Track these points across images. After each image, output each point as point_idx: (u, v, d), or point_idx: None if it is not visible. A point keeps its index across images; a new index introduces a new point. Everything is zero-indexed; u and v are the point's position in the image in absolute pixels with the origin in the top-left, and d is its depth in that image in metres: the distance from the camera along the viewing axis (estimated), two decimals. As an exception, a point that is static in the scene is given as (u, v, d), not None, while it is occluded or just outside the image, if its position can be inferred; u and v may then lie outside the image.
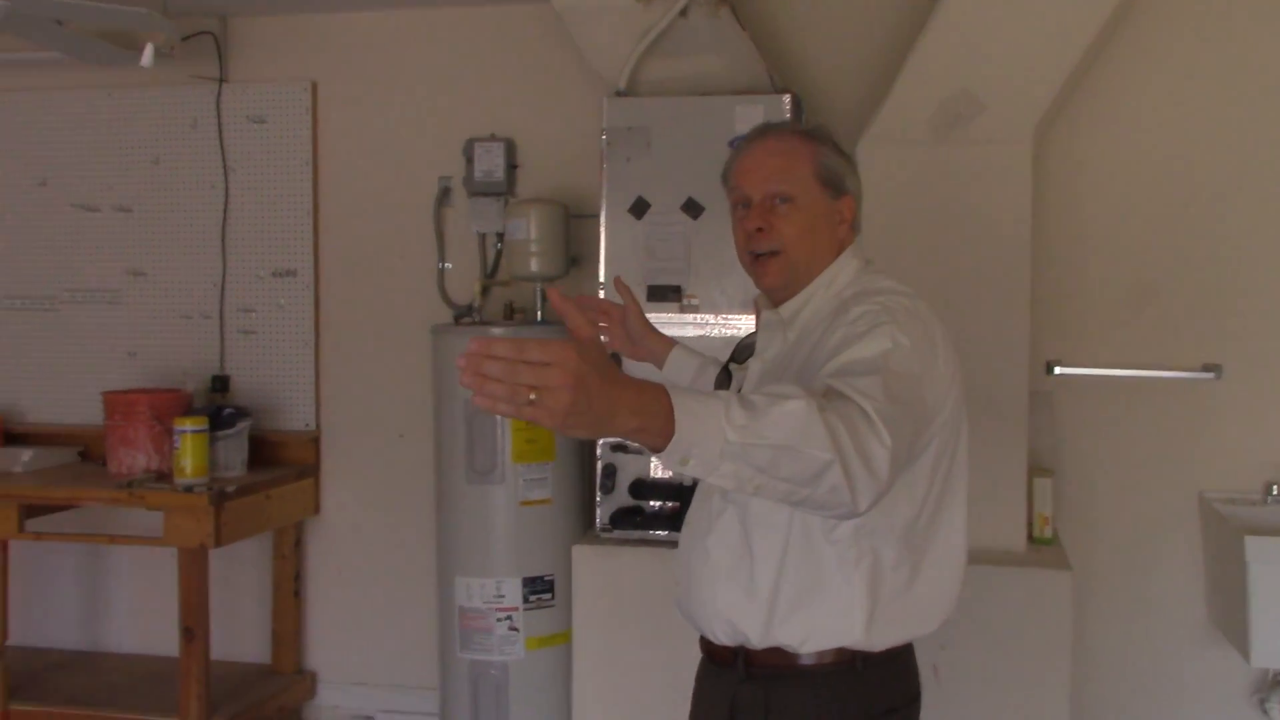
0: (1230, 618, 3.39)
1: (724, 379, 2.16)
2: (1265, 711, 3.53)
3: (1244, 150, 3.52)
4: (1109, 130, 3.59)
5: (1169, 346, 3.55)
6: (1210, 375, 3.42)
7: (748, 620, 1.87)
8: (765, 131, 2.00)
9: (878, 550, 1.82)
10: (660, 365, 2.37)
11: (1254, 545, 3.16)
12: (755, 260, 1.94)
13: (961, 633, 3.17)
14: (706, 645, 2.02)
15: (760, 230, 1.91)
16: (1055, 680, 3.14)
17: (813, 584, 1.83)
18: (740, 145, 2.02)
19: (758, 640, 1.87)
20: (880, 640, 1.86)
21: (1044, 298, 3.52)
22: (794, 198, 1.91)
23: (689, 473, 1.40)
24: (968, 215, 3.27)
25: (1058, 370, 3.44)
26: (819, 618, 1.84)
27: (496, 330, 3.65)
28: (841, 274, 1.95)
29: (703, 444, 1.37)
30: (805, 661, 1.87)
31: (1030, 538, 3.40)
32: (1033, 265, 3.29)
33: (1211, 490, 3.55)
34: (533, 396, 1.23)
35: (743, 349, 2.14)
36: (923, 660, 3.13)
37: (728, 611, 1.89)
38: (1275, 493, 3.50)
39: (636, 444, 1.39)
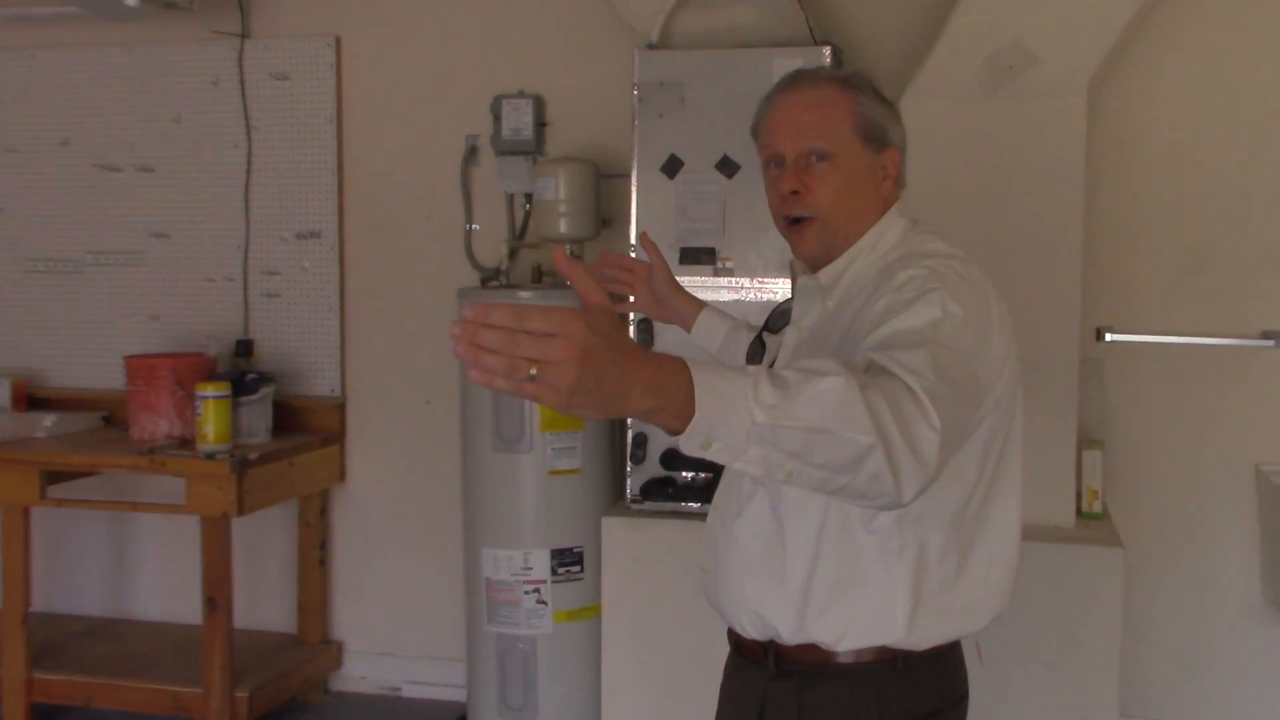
0: (1289, 596, 3.25)
1: (757, 349, 2.01)
2: (1323, 693, 3.40)
3: (1311, 105, 3.34)
4: (1167, 84, 3.42)
5: (1226, 312, 3.40)
6: (1270, 343, 3.28)
7: (779, 614, 1.72)
8: (797, 79, 1.80)
9: (923, 540, 1.66)
10: (689, 328, 2.24)
11: (1317, 522, 3.02)
12: (790, 225, 1.78)
13: (1008, 611, 3.06)
14: (734, 637, 1.87)
15: (795, 193, 1.74)
16: (1104, 661, 3.02)
17: (850, 576, 1.68)
18: (770, 95, 1.82)
19: (789, 636, 1.73)
20: (924, 638, 1.70)
21: (1095, 261, 3.38)
22: (832, 154, 1.73)
23: (712, 457, 1.25)
24: (1017, 174, 3.13)
25: (1109, 337, 3.31)
26: (857, 613, 1.68)
27: (524, 295, 3.53)
28: (886, 235, 1.78)
29: (727, 426, 1.22)
30: (842, 660, 1.71)
31: (1079, 512, 3.27)
32: (1084, 227, 3.14)
33: (1269, 463, 3.40)
34: (533, 371, 1.08)
35: (778, 316, 2.00)
36: (965, 640, 3.07)
37: (757, 604, 1.75)
38: (1337, 466, 3.35)
39: (653, 424, 1.24)
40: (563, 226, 3.57)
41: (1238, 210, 3.39)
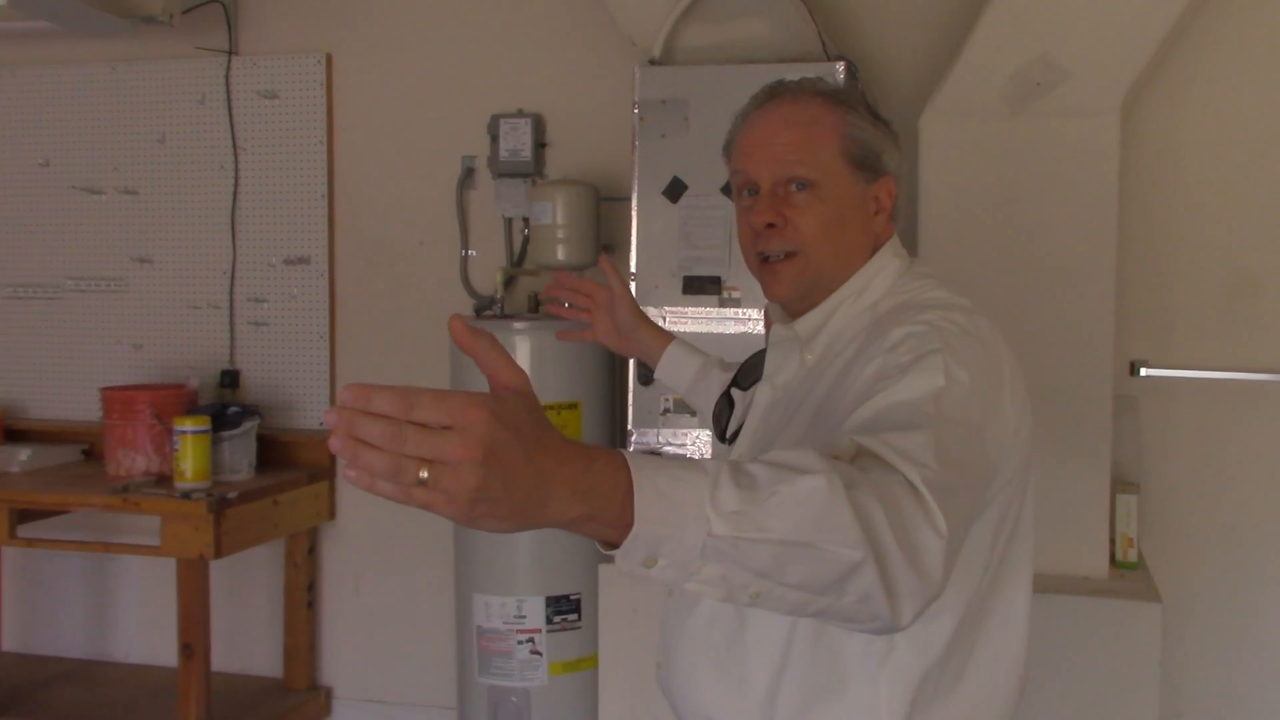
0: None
1: (725, 408, 1.76)
2: (1376, 757, 3.15)
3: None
4: (1205, 102, 3.20)
5: (1270, 345, 3.18)
6: (1318, 379, 3.05)
7: None
8: (777, 92, 1.55)
9: (916, 640, 1.40)
10: (654, 364, 2.05)
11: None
12: (764, 264, 1.52)
13: (1035, 669, 2.85)
14: None
15: (771, 226, 1.49)
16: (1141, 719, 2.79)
17: (826, 684, 1.41)
18: (745, 111, 1.58)
19: None
20: None
21: (1130, 290, 3.16)
22: (815, 183, 1.49)
23: (657, 577, 1.01)
24: (1045, 197, 2.92)
25: (1144, 372, 3.10)
26: None
27: (518, 326, 3.32)
28: (877, 279, 1.52)
29: (676, 539, 0.98)
30: None
31: (1112, 561, 3.04)
32: (1117, 254, 2.92)
33: (1317, 508, 3.17)
34: (424, 474, 0.88)
35: (748, 370, 1.74)
36: None
37: (713, 710, 1.49)
38: (1391, 512, 3.11)
39: (584, 535, 1.01)
40: (560, 253, 3.37)
41: (1284, 236, 3.17)
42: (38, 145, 4.12)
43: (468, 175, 3.79)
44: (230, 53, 3.92)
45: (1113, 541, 3.06)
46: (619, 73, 3.47)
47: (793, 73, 2.93)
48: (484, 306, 3.66)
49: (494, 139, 3.70)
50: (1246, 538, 3.23)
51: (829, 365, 1.47)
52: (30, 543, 3.56)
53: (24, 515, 3.54)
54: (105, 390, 3.69)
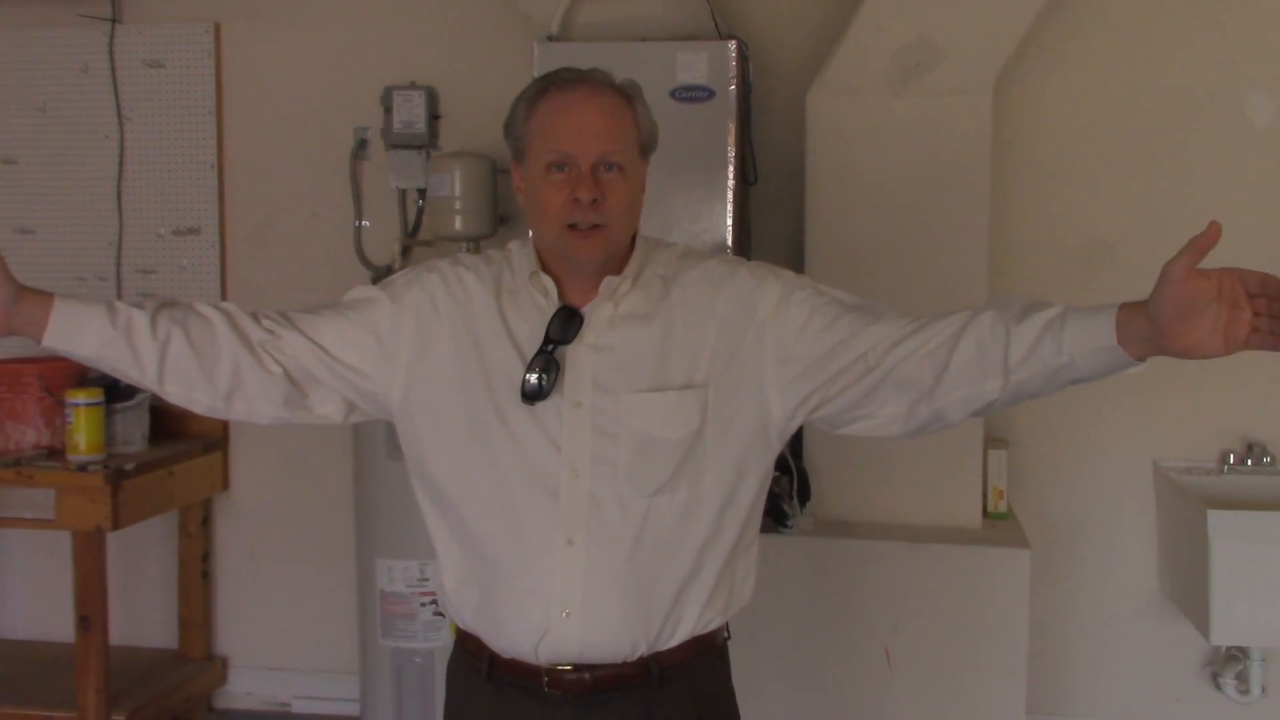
0: (1187, 592, 3.28)
1: (549, 364, 1.69)
2: (1218, 685, 3.45)
3: (1207, 106, 3.37)
4: (1069, 82, 3.43)
5: (1125, 310, 3.40)
6: (1169, 340, 3.28)
7: None
8: (582, 80, 1.70)
9: None
10: (39, 336, 1.66)
11: (1217, 520, 3.04)
12: (571, 230, 1.66)
13: (914, 613, 3.06)
14: None
15: (595, 201, 1.65)
16: (1012, 661, 3.02)
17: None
18: (546, 91, 1.70)
19: None
20: None
21: (1001, 257, 3.36)
22: (623, 166, 1.68)
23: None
24: (923, 169, 3.10)
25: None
26: None
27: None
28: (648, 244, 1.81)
29: None
30: None
31: (985, 512, 3.26)
32: (990, 224, 3.13)
33: (1166, 459, 3.44)
34: None
35: (561, 330, 1.71)
36: (874, 643, 3.04)
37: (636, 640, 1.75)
38: (1232, 462, 3.39)
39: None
40: (458, 223, 3.44)
41: (1137, 208, 3.41)
42: (-90, 112, 4.01)
43: (361, 146, 3.81)
44: (114, 20, 3.86)
45: (985, 495, 3.28)
46: (513, 48, 3.54)
47: (685, 50, 3.10)
48: (379, 276, 3.70)
49: (387, 110, 3.73)
50: (1103, 486, 3.49)
51: (655, 307, 1.73)
52: (-84, 519, 3.50)
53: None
54: (-9, 363, 3.63)
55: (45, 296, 1.66)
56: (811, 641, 3.05)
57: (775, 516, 3.08)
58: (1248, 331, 1.38)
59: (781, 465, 3.11)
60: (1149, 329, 1.43)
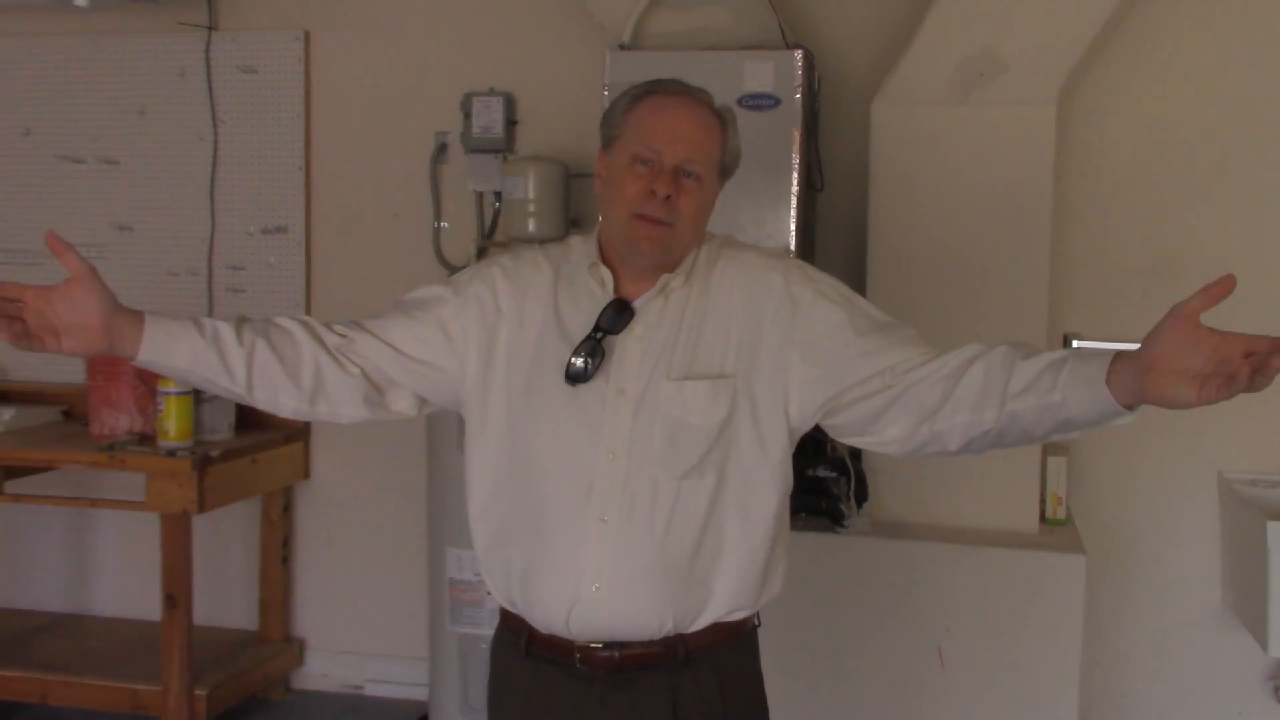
0: (1247, 603, 3.28)
1: (596, 348, 1.79)
2: (1280, 699, 3.43)
3: (1276, 118, 3.36)
4: (1134, 95, 3.43)
5: (1191, 320, 3.40)
6: (1234, 351, 3.28)
7: None
8: (684, 91, 1.83)
9: None
10: (134, 354, 1.73)
11: (1276, 531, 3.03)
12: (641, 220, 1.76)
13: (969, 616, 3.08)
14: None
15: (669, 198, 1.75)
16: (1065, 667, 3.03)
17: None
18: (652, 92, 1.82)
19: None
20: None
21: (1063, 268, 3.39)
22: (701, 177, 1.79)
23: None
24: (986, 180, 3.13)
25: (1075, 344, 3.32)
26: None
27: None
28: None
29: None
30: None
31: (1043, 518, 3.28)
32: (1052, 234, 3.15)
33: (1231, 470, 3.43)
34: None
35: (610, 320, 1.81)
36: (927, 644, 3.07)
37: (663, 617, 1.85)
38: (1298, 475, 3.37)
39: None
40: (531, 225, 3.55)
41: (1204, 219, 3.41)
42: (20, 115, 4.23)
43: (441, 150, 3.95)
44: (210, 28, 4.04)
45: (1043, 501, 3.31)
46: (587, 56, 3.65)
47: (753, 58, 3.17)
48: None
49: (467, 116, 3.86)
50: (1165, 495, 3.48)
51: (694, 299, 1.83)
52: (19, 498, 3.71)
53: (8, 473, 3.68)
54: (89, 353, 3.81)
55: (136, 314, 1.72)
56: (865, 639, 3.10)
57: (832, 516, 3.14)
58: (1220, 391, 1.42)
59: (839, 466, 3.16)
60: (1137, 369, 1.48)
